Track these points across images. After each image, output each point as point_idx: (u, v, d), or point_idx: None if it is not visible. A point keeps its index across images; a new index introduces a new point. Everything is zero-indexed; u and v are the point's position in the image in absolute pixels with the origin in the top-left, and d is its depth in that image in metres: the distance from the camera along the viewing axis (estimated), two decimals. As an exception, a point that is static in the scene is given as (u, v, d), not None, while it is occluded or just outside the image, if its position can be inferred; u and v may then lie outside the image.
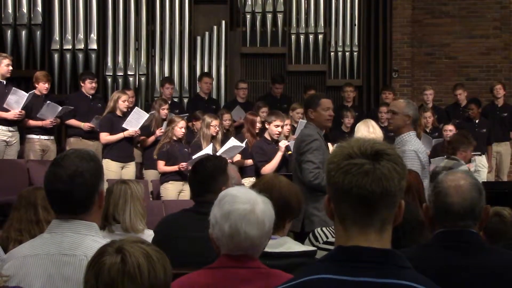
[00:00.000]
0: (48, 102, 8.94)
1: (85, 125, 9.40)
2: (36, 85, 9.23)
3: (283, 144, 8.38)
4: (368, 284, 1.71)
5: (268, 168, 8.29)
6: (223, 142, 8.97)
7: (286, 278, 2.55)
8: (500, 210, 4.06)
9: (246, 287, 2.52)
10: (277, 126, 8.43)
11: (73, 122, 9.52)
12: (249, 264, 2.55)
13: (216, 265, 2.56)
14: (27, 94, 8.77)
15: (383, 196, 1.75)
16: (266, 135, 8.60)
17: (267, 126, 8.59)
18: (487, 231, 3.90)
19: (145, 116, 9.12)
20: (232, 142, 8.58)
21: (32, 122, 9.05)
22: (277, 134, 8.45)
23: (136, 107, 9.52)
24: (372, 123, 6.30)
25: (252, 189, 2.76)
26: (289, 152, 8.23)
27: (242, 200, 2.56)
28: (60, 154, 2.64)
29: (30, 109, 8.98)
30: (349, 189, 1.75)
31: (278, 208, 3.02)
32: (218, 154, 7.92)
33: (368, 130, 6.09)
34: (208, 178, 3.76)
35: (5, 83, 8.89)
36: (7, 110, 8.69)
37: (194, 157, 8.23)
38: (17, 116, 8.70)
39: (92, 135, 9.42)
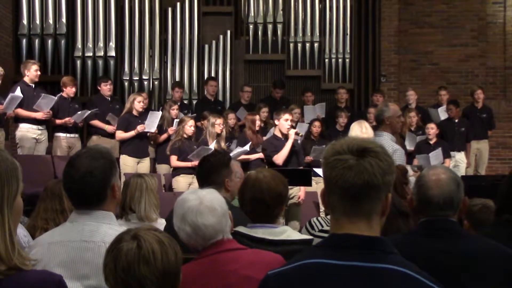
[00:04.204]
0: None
1: (109, 128, 9.41)
2: (64, 89, 9.25)
3: (292, 132, 8.05)
4: (356, 268, 1.72)
5: (280, 155, 7.94)
6: (227, 140, 8.99)
7: (267, 254, 2.56)
8: (487, 202, 3.88)
9: (231, 267, 2.51)
10: (287, 120, 8.09)
11: (97, 123, 9.52)
12: (225, 246, 2.54)
13: (198, 256, 2.56)
14: (55, 98, 8.83)
15: (366, 189, 1.74)
16: (277, 132, 8.18)
17: (276, 122, 8.18)
18: (472, 221, 3.79)
19: (158, 115, 9.15)
20: (244, 148, 8.60)
21: (58, 121, 9.08)
22: (288, 127, 8.07)
23: (151, 111, 9.51)
24: (365, 123, 6.26)
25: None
26: (300, 134, 8.17)
27: (190, 198, 2.56)
28: (75, 153, 2.64)
29: (57, 110, 9.02)
30: (335, 182, 1.75)
31: (272, 200, 3.02)
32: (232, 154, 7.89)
33: (361, 130, 6.06)
34: (212, 171, 3.76)
35: (33, 86, 8.92)
36: (36, 111, 8.72)
37: (193, 152, 8.33)
38: (45, 116, 8.74)
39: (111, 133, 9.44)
